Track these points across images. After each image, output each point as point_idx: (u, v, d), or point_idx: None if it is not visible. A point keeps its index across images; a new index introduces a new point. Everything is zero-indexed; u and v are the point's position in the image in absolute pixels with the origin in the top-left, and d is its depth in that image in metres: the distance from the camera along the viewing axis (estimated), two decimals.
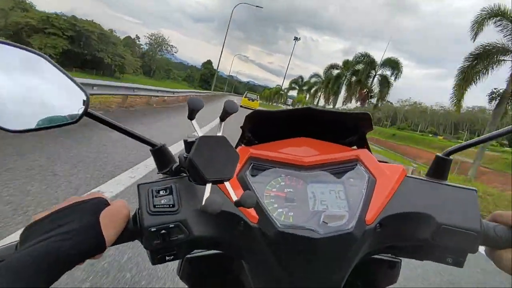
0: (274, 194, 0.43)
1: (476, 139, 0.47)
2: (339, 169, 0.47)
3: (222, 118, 0.41)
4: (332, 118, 0.56)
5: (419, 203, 0.43)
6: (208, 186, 0.36)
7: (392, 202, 0.43)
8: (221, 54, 30.04)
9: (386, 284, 0.57)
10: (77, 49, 46.50)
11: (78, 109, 0.40)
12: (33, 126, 0.38)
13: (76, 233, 0.33)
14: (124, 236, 0.39)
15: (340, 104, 37.13)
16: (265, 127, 0.57)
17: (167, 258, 0.41)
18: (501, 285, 2.65)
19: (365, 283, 0.57)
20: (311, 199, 0.43)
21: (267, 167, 0.47)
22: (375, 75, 30.55)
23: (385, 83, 29.87)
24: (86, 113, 0.40)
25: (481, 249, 0.42)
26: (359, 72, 31.31)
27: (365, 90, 30.50)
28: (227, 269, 0.57)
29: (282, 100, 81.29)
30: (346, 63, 35.32)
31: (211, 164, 0.36)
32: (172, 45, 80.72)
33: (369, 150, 0.54)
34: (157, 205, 0.40)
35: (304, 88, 57.86)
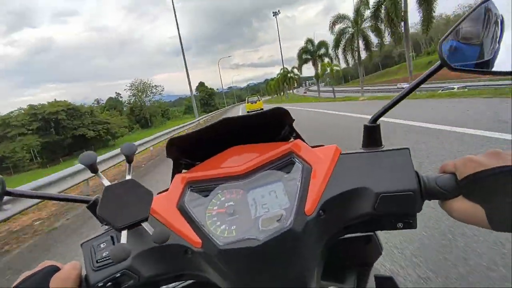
0: (216, 212, 0.41)
1: (396, 96, 0.45)
2: (277, 167, 0.45)
3: (128, 160, 0.41)
4: (252, 122, 0.53)
5: (356, 178, 0.42)
6: (124, 233, 0.36)
7: (330, 185, 0.42)
8: (185, 64, 20.96)
9: (373, 259, 0.57)
10: (52, 137, 41.01)
11: None
12: None
13: None
14: None
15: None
16: (197, 147, 0.54)
17: None
18: (501, 285, 1.96)
19: (350, 263, 0.57)
20: (252, 206, 0.41)
21: (206, 188, 0.45)
22: None
23: None
24: (5, 193, 0.40)
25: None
26: None
27: None
28: None
29: (296, 85, 68.85)
30: None
31: (121, 211, 0.36)
32: (155, 85, 75.28)
33: (302, 138, 0.53)
34: (99, 259, 0.40)
35: (321, 52, 39.68)
